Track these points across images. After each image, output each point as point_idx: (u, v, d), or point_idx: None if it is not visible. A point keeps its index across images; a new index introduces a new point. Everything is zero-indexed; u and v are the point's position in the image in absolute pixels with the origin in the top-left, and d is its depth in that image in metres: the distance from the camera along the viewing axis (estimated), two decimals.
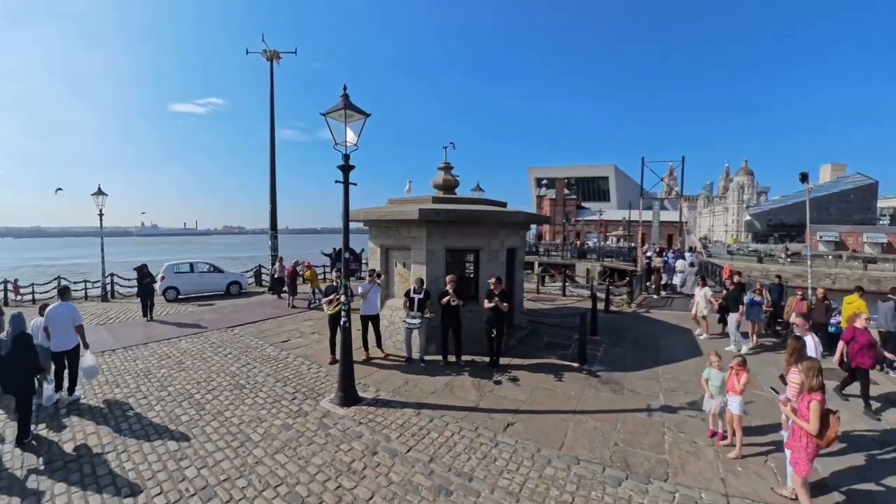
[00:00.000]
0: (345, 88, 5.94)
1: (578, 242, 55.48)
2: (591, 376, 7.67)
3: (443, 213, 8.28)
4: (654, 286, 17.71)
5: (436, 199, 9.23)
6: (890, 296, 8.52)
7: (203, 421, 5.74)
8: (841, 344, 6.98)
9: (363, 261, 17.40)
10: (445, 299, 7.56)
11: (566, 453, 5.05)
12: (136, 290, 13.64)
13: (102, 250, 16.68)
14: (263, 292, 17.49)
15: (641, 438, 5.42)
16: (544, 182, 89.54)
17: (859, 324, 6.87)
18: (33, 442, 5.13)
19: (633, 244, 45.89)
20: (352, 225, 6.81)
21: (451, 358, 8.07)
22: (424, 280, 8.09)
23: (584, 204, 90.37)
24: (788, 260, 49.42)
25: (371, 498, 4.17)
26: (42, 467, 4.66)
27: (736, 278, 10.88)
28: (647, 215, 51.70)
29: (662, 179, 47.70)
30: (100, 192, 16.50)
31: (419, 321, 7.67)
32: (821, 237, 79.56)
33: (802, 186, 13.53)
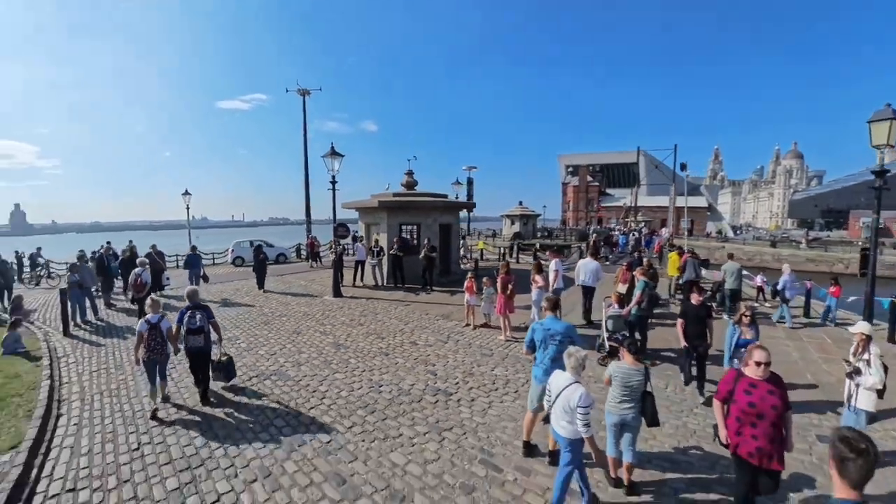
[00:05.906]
0: (332, 145, 12.31)
1: (601, 226, 60.15)
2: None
3: (391, 203, 14.55)
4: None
5: (396, 195, 15.49)
6: (729, 260, 11.86)
7: (273, 301, 12.52)
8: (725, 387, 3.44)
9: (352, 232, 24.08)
10: (392, 251, 13.88)
11: (427, 311, 11.21)
12: (252, 266, 15.11)
13: (190, 235, 24.09)
14: (301, 261, 24.55)
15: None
16: (570, 169, 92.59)
17: (750, 371, 3.30)
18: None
19: (630, 229, 49.84)
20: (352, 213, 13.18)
21: (400, 285, 14.37)
22: (385, 241, 14.42)
23: (611, 190, 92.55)
24: (808, 246, 51.01)
25: (338, 316, 10.64)
26: None
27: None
28: (677, 200, 55.15)
29: (663, 169, 50.92)
30: (186, 193, 24.04)
31: (376, 262, 14.12)
32: (863, 223, 77.05)
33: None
